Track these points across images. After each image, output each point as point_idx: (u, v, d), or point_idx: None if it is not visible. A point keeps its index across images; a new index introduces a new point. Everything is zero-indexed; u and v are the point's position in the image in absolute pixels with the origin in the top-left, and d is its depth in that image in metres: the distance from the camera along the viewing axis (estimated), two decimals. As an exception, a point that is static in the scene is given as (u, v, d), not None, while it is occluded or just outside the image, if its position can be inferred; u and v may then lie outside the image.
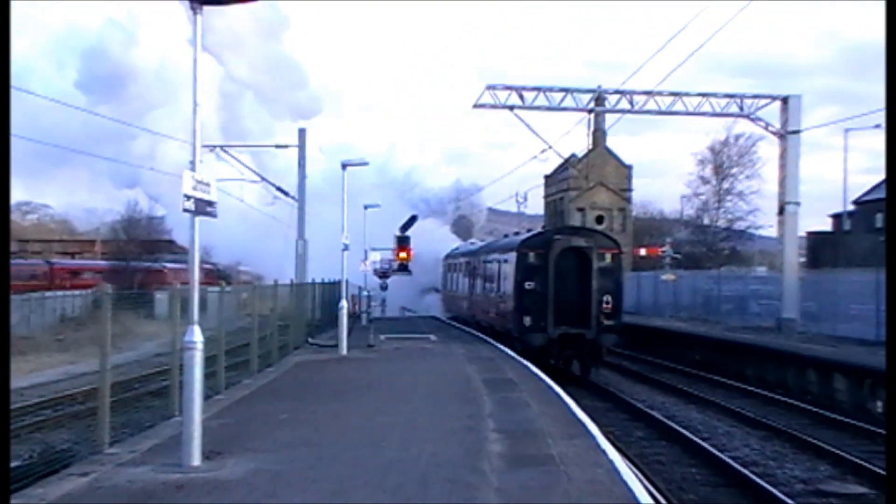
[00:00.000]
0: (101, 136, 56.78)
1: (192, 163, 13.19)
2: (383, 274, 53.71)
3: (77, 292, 45.52)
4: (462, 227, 75.88)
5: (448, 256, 60.41)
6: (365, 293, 50.94)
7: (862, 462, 19.75)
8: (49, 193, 70.79)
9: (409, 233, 54.80)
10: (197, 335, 13.12)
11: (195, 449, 12.83)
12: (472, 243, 59.95)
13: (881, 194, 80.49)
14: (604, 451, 14.22)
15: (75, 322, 37.00)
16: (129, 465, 12.87)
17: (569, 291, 30.92)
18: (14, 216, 67.67)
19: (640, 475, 13.45)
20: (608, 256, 31.62)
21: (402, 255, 52.81)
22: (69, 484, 11.82)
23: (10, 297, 28.09)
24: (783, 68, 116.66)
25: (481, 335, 39.11)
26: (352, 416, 17.34)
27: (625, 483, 12.22)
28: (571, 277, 31.02)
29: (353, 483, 11.82)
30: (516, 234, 47.70)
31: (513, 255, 32.89)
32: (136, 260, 61.77)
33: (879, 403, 25.62)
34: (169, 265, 65.95)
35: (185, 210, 12.80)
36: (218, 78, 71.56)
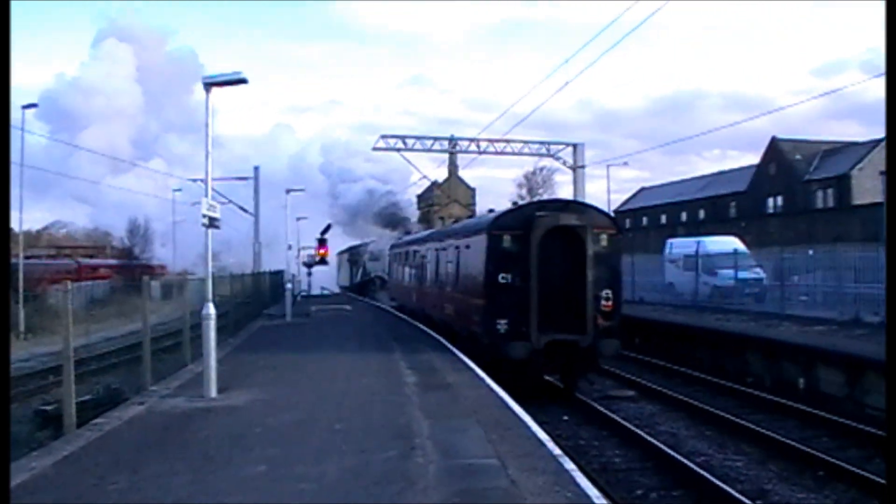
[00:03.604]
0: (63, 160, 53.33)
1: (205, 192, 13.29)
2: (309, 265, 53.80)
3: (99, 282, 44.43)
4: (390, 220, 56.25)
5: (395, 246, 41.16)
6: (298, 278, 50.84)
7: (635, 378, 21.06)
8: (53, 211, 67.32)
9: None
10: (211, 310, 13.23)
11: (213, 385, 12.92)
12: (414, 232, 43.92)
13: (628, 206, 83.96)
14: (482, 379, 14.68)
15: (100, 303, 36.04)
16: (168, 398, 12.90)
17: (557, 285, 17.50)
18: (52, 230, 65.87)
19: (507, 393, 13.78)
20: (604, 238, 18.05)
21: (322, 251, 53.25)
22: (133, 410, 11.90)
23: (9, 294, 27.37)
24: (564, 125, 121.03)
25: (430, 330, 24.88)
26: (308, 362, 17.38)
27: (500, 397, 12.75)
28: (559, 266, 17.62)
29: (322, 405, 12.04)
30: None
31: (481, 239, 18.80)
32: (136, 259, 60.82)
33: (637, 339, 26.60)
34: (155, 262, 64.75)
35: (203, 225, 12.91)
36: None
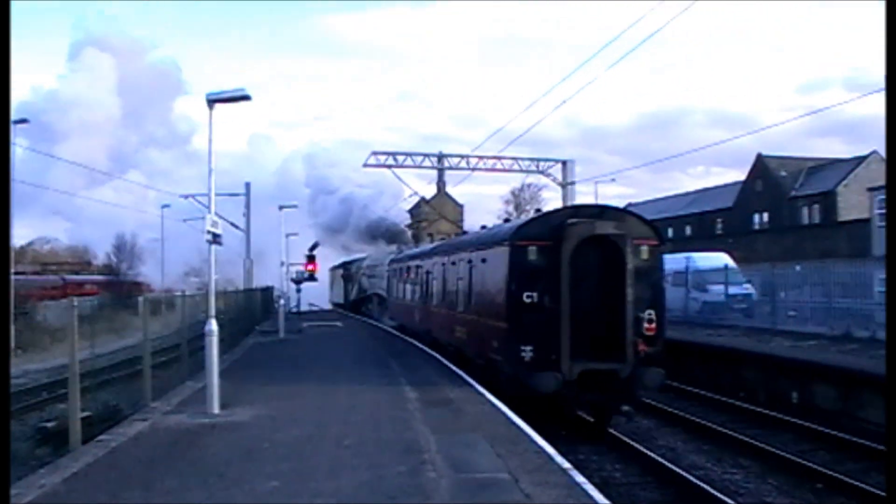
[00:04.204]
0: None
1: (209, 209, 13.35)
2: (298, 281, 53.81)
3: (86, 298, 44.13)
4: (384, 233, 53.16)
5: (394, 260, 37.29)
6: (287, 294, 50.86)
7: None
8: (35, 227, 65.50)
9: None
10: (214, 326, 13.25)
11: (215, 402, 12.92)
12: (405, 247, 41.94)
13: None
14: (482, 394, 14.73)
15: (89, 319, 35.70)
16: (170, 414, 12.92)
17: (591, 305, 15.13)
18: (36, 246, 65.22)
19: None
20: (645, 250, 15.66)
21: (311, 267, 53.51)
22: (137, 426, 11.90)
23: (10, 299, 27.23)
24: (549, 141, 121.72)
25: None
26: (308, 379, 17.35)
27: (504, 413, 12.84)
28: (594, 283, 15.26)
29: (327, 421, 12.08)
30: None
31: (502, 251, 16.31)
32: (122, 275, 60.46)
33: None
34: (141, 278, 64.26)
35: (207, 241, 12.97)
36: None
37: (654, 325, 15.23)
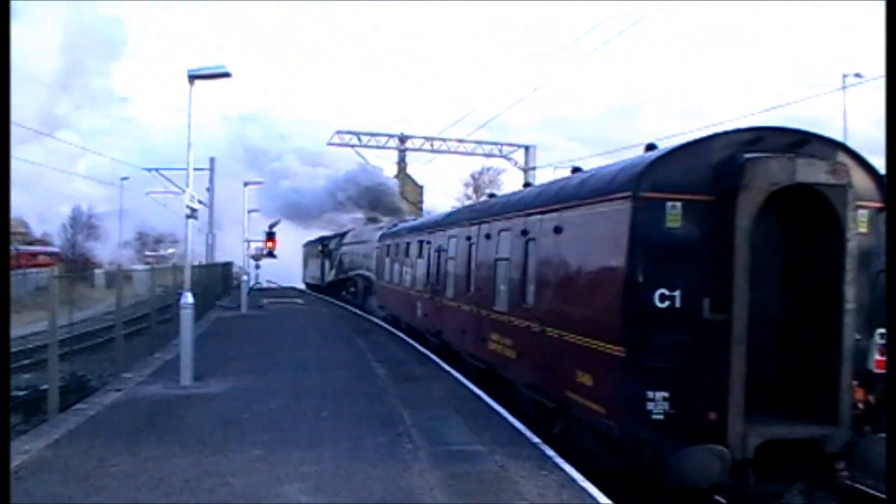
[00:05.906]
0: None
1: (187, 184, 13.47)
2: (257, 257, 53.46)
3: (42, 269, 43.52)
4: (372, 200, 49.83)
5: (386, 235, 27.42)
6: (247, 270, 50.63)
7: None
8: None
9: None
10: (190, 299, 13.40)
11: (189, 374, 13.09)
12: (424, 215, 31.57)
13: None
14: (448, 372, 15.04)
15: (44, 290, 35.41)
16: (144, 385, 13.09)
17: (775, 317, 8.03)
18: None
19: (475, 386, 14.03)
20: (864, 217, 7.97)
21: (270, 244, 53.07)
22: (112, 396, 12.09)
23: (10, 283, 26.87)
24: (509, 126, 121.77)
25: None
26: (277, 353, 17.45)
27: (469, 388, 13.20)
28: (779, 276, 8.10)
29: (303, 393, 12.33)
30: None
31: (607, 213, 8.38)
32: (78, 247, 59.46)
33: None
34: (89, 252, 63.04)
35: (186, 215, 13.11)
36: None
37: (884, 358, 8.21)
